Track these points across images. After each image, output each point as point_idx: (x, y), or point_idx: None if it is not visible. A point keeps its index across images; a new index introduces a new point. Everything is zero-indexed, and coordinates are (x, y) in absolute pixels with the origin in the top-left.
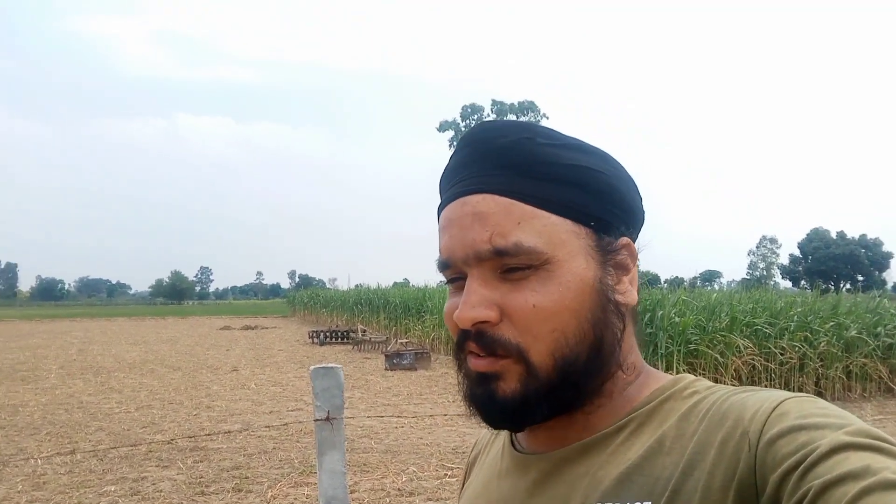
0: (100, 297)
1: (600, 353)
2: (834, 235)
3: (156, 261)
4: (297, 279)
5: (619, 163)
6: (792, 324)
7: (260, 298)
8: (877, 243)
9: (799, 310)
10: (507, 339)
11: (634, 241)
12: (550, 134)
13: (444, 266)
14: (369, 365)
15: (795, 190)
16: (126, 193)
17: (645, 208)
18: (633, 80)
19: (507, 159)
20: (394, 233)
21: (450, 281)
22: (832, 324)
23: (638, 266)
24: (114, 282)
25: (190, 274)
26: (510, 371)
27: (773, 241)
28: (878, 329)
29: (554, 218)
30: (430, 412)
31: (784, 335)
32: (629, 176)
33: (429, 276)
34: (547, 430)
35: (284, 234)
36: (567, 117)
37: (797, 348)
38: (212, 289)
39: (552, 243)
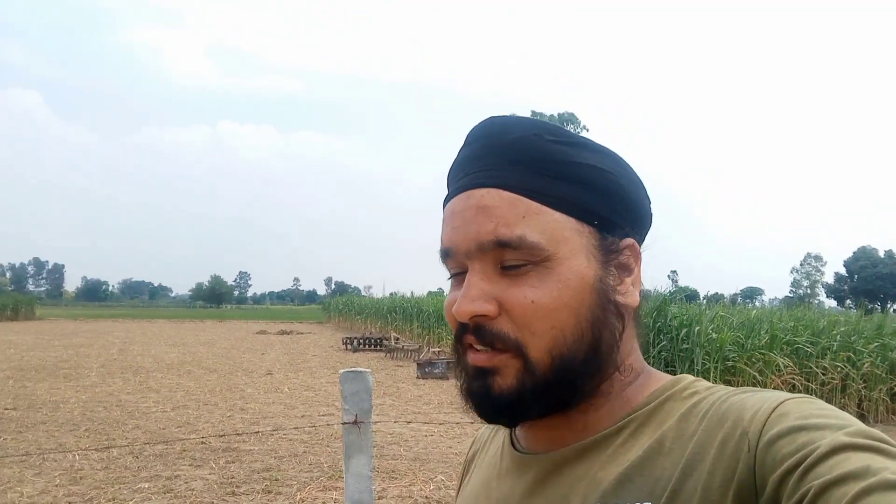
0: (142, 298)
1: (598, 353)
2: (882, 254)
3: (196, 265)
4: (332, 286)
5: (627, 163)
6: (835, 343)
7: (296, 304)
8: None
9: (842, 329)
10: (506, 333)
11: (640, 243)
12: (558, 131)
13: (445, 255)
14: (401, 373)
15: (842, 206)
16: (170, 199)
17: (653, 211)
18: (683, 92)
19: (513, 155)
20: (429, 243)
21: (451, 276)
22: (877, 344)
23: (641, 267)
24: (156, 284)
25: (229, 278)
26: (508, 366)
27: (817, 258)
28: None
29: (558, 215)
30: (459, 421)
31: (826, 355)
32: (637, 177)
33: None
34: (546, 430)
35: (322, 242)
36: (607, 130)
37: (839, 368)
38: (250, 293)
39: (554, 240)
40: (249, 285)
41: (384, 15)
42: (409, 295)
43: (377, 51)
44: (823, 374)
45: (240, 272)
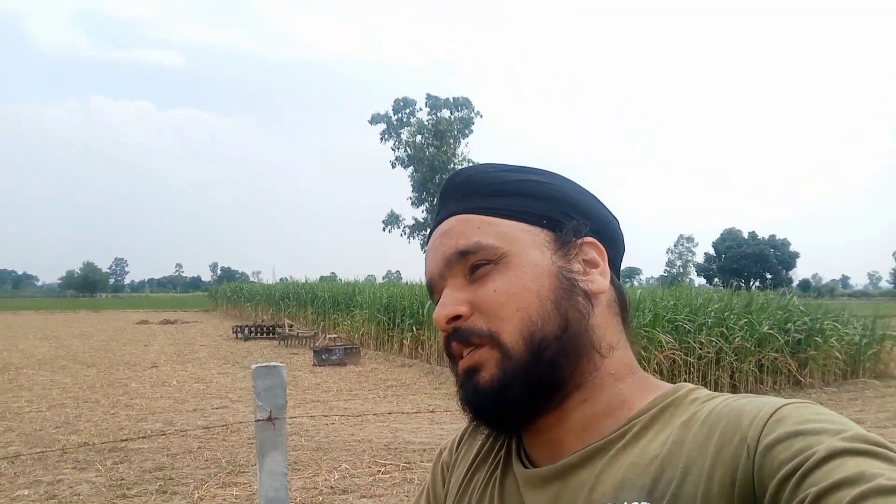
0: (4, 289)
1: (568, 329)
2: (746, 235)
3: (66, 251)
4: (219, 272)
5: (570, 180)
6: (710, 320)
7: (179, 292)
8: (784, 243)
9: (716, 306)
10: (479, 327)
11: (609, 244)
12: (501, 165)
13: (429, 289)
14: (297, 361)
15: (712, 190)
16: (35, 180)
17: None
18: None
19: (464, 190)
20: (320, 226)
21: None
22: (746, 320)
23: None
24: (20, 273)
25: (104, 265)
26: (488, 359)
27: (689, 239)
28: (788, 325)
29: (507, 222)
30: (360, 408)
31: (702, 331)
32: (585, 190)
33: (358, 269)
34: (543, 435)
35: (206, 226)
36: (502, 114)
37: (714, 343)
38: (127, 281)
39: (507, 240)
40: (126, 272)
41: None
42: (302, 280)
43: (265, 26)
44: (700, 349)
45: (115, 258)
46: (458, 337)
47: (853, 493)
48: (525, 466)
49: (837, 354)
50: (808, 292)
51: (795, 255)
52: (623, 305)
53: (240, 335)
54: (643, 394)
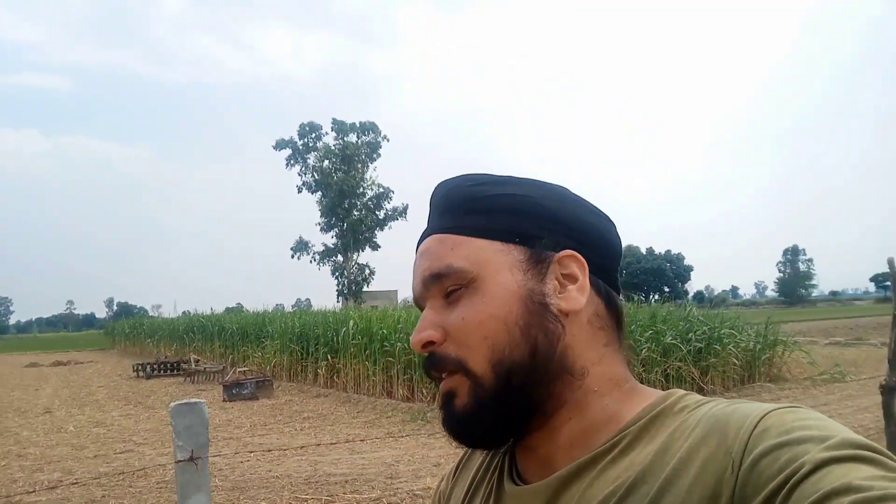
0: None
1: (536, 355)
2: (644, 251)
3: None
4: (115, 307)
5: (560, 188)
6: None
7: (71, 330)
8: (679, 258)
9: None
10: (449, 354)
11: (594, 255)
12: (480, 178)
13: (416, 304)
14: (205, 397)
15: (610, 209)
16: None
17: (618, 233)
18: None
19: (443, 206)
20: (223, 256)
21: None
22: (651, 332)
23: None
24: None
25: None
26: (461, 386)
27: None
28: (690, 335)
29: (479, 241)
30: (276, 443)
31: None
32: (573, 200)
33: (265, 299)
34: (533, 452)
35: (99, 260)
36: (404, 140)
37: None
38: (12, 321)
39: (478, 263)
40: (12, 312)
41: (165, 5)
42: (207, 312)
43: (160, 48)
44: None
45: None
46: (431, 363)
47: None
48: (516, 483)
49: (735, 361)
50: (703, 303)
51: (690, 269)
52: (614, 314)
53: (141, 373)
54: (632, 405)
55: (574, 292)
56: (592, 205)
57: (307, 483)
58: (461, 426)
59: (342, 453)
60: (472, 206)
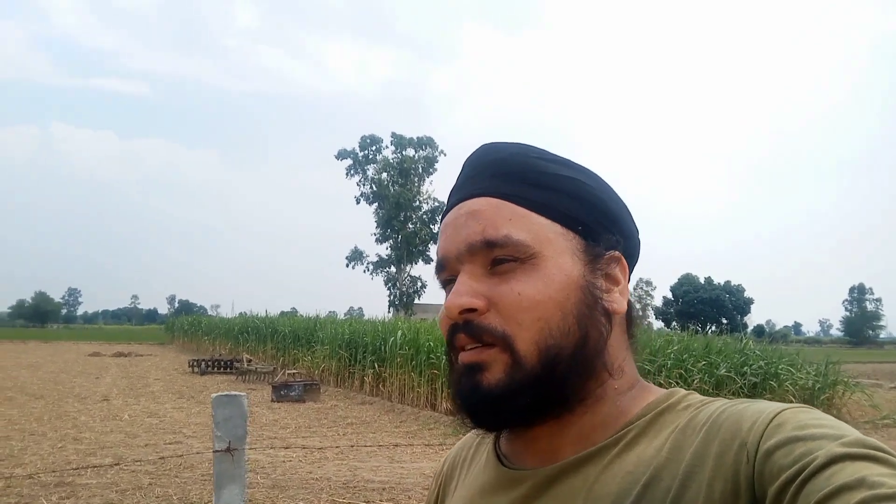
0: None
1: (585, 348)
2: (702, 281)
3: (18, 280)
4: (176, 304)
5: (607, 184)
6: (669, 362)
7: (134, 324)
8: (739, 289)
9: (675, 348)
10: (494, 326)
11: (629, 260)
12: (542, 151)
13: (440, 268)
14: (255, 396)
15: (669, 236)
16: None
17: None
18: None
19: (500, 169)
20: (281, 261)
21: (444, 285)
22: (704, 363)
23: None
24: None
25: (56, 295)
26: (496, 361)
27: (648, 283)
28: (745, 368)
29: (542, 219)
30: (319, 445)
31: (662, 372)
32: (620, 198)
33: (319, 305)
34: (537, 442)
35: (165, 258)
36: (461, 155)
37: (673, 384)
38: (80, 312)
39: (539, 239)
40: (80, 303)
41: (239, 18)
42: (262, 314)
43: (232, 58)
44: None
45: (69, 288)
46: (469, 331)
47: (854, 499)
48: (505, 466)
49: (792, 398)
50: (762, 337)
51: (750, 301)
52: (630, 319)
53: (196, 369)
54: (639, 400)
55: (617, 295)
56: (625, 204)
57: (345, 487)
58: (486, 403)
59: (381, 461)
60: (535, 180)
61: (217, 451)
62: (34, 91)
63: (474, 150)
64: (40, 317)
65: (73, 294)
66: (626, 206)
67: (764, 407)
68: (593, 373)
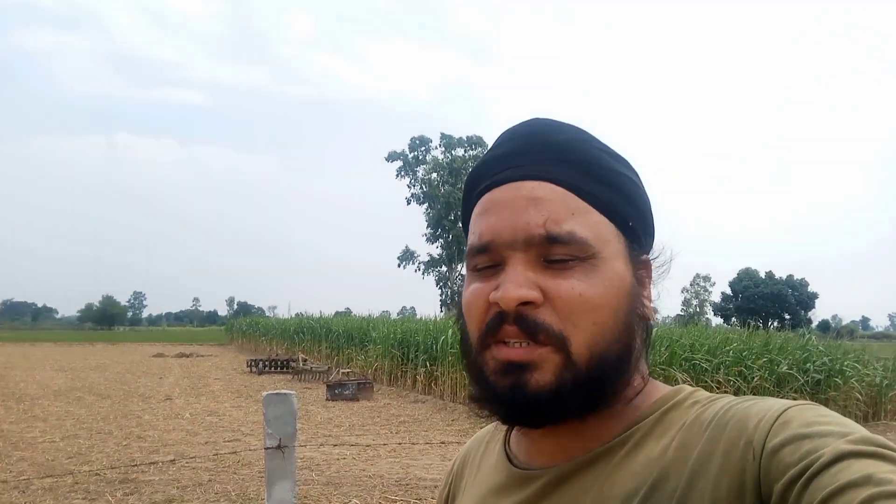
0: (24, 320)
1: (629, 354)
2: (763, 275)
3: (86, 284)
4: (235, 306)
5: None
6: (728, 359)
7: (196, 325)
8: (803, 283)
9: (734, 346)
10: (550, 324)
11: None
12: (602, 142)
13: (482, 249)
14: (310, 395)
15: (728, 229)
16: (57, 213)
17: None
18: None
19: (564, 154)
20: (335, 262)
21: (476, 269)
22: (765, 359)
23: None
24: (39, 305)
25: (122, 298)
26: (547, 361)
27: (706, 278)
28: (808, 365)
29: (602, 217)
30: (371, 443)
31: (720, 370)
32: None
33: (372, 305)
34: (548, 440)
35: (223, 261)
36: None
37: (732, 382)
38: (145, 314)
39: (600, 239)
40: (145, 306)
41: (293, 26)
42: (317, 315)
43: (286, 65)
44: (718, 389)
45: (134, 292)
46: (523, 325)
47: (861, 496)
48: (515, 466)
49: (858, 395)
50: (828, 333)
51: (814, 296)
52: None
53: (254, 369)
54: (647, 397)
55: (646, 301)
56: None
57: (398, 485)
58: (530, 404)
59: (433, 458)
60: (597, 174)
61: (268, 447)
62: (99, 102)
63: (522, 122)
64: (107, 320)
65: (138, 297)
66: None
67: (770, 405)
68: (630, 377)
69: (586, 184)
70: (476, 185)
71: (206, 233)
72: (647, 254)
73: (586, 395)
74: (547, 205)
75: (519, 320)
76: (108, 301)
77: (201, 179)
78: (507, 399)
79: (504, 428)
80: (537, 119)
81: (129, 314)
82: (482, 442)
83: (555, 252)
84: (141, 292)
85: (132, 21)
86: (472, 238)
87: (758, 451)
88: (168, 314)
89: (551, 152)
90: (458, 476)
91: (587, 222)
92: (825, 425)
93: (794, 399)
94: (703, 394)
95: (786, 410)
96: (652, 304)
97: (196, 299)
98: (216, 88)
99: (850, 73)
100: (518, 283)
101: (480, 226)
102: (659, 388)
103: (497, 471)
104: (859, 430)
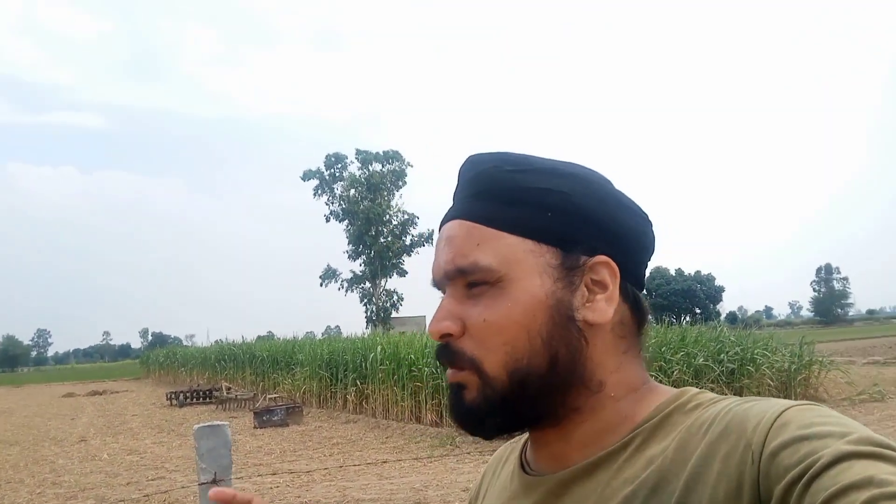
0: None
1: (556, 367)
2: (673, 272)
3: None
4: (149, 338)
5: (602, 185)
6: (647, 354)
7: (108, 360)
8: (710, 278)
9: (652, 341)
10: (464, 350)
11: (623, 260)
12: (519, 160)
13: (434, 285)
14: (237, 424)
15: None
16: None
17: (654, 232)
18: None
19: (476, 187)
20: (255, 285)
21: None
22: (682, 353)
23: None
24: None
25: (25, 338)
26: (470, 381)
27: None
28: (722, 356)
29: (512, 238)
30: (306, 468)
31: None
32: (613, 197)
33: (295, 326)
34: (546, 447)
35: (134, 291)
36: (430, 165)
37: (654, 377)
38: (51, 353)
39: (506, 262)
40: (50, 343)
41: (197, 44)
42: (238, 341)
43: (191, 86)
44: None
45: (38, 330)
46: (444, 355)
47: (862, 497)
48: (527, 472)
49: (770, 381)
50: (736, 324)
51: (721, 290)
52: (637, 317)
53: (174, 402)
54: (646, 403)
55: (602, 303)
56: (632, 202)
57: None
58: (468, 419)
59: (371, 479)
60: (506, 196)
61: (202, 483)
62: None
63: (463, 160)
64: (10, 361)
65: (42, 335)
66: (621, 204)
67: (769, 406)
68: (570, 387)
69: (494, 211)
70: None
71: (113, 262)
72: (608, 252)
73: (516, 409)
74: (455, 241)
75: (441, 350)
76: (10, 341)
77: (105, 206)
78: (453, 411)
79: (523, 438)
80: (468, 157)
81: (34, 353)
82: (506, 451)
83: (469, 280)
84: (45, 329)
85: (17, 45)
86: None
87: (756, 453)
88: (76, 351)
89: (466, 189)
90: (476, 493)
91: (492, 249)
92: (824, 426)
93: (713, 388)
94: (707, 395)
95: (784, 412)
96: (615, 304)
97: (106, 333)
98: (114, 110)
99: (775, 87)
100: (438, 318)
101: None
102: (659, 392)
103: (512, 478)
104: (859, 430)
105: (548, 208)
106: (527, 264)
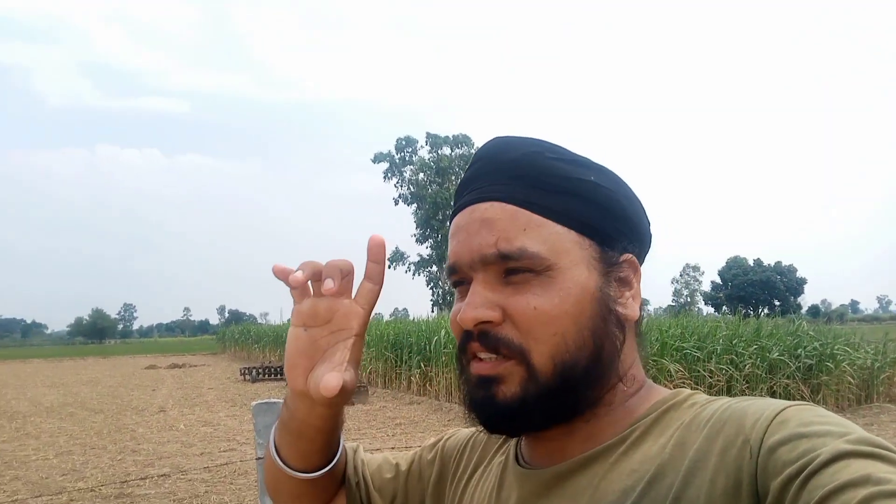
0: (13, 337)
1: (600, 361)
2: (751, 263)
3: (75, 299)
4: (226, 315)
5: (625, 182)
6: (718, 347)
7: (187, 335)
8: (791, 269)
9: (724, 334)
10: (510, 338)
11: (640, 261)
12: (558, 150)
13: (451, 271)
14: None
15: (715, 218)
16: (42, 228)
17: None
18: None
19: (515, 171)
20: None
21: (455, 285)
22: (756, 346)
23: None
24: (28, 321)
25: (112, 311)
26: (512, 374)
27: (695, 268)
28: (799, 351)
29: (558, 227)
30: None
31: (711, 358)
32: (635, 196)
33: None
34: (549, 442)
35: (213, 270)
36: None
37: (724, 371)
38: (136, 326)
39: (555, 251)
40: (135, 318)
41: (275, 30)
42: None
43: (268, 71)
44: (710, 377)
45: (124, 304)
46: (485, 342)
47: (860, 495)
48: (521, 465)
49: (850, 379)
50: (818, 318)
51: (803, 281)
52: (638, 319)
53: (248, 377)
54: (645, 400)
55: (630, 299)
56: (640, 201)
57: None
58: (501, 415)
59: None
60: (551, 184)
61: (259, 458)
62: (81, 115)
63: (487, 142)
64: (98, 333)
65: (128, 309)
66: (641, 204)
67: (768, 404)
68: (607, 381)
69: (539, 197)
70: (453, 207)
71: (195, 241)
72: (634, 252)
73: (555, 403)
74: (497, 224)
75: (481, 337)
76: (98, 314)
77: (186, 188)
78: (482, 409)
79: None
80: (496, 139)
81: (120, 327)
82: (480, 436)
83: (511, 269)
84: (131, 304)
85: (110, 32)
86: (448, 259)
87: (755, 448)
88: (159, 325)
89: (503, 172)
90: (458, 458)
91: (540, 236)
92: (823, 425)
93: (787, 383)
94: (702, 396)
95: (784, 410)
96: (639, 302)
97: (187, 309)
98: (197, 96)
99: (851, 73)
100: (474, 305)
101: (450, 248)
102: (658, 391)
103: (506, 469)
104: (857, 431)
105: (593, 201)
106: (574, 255)
